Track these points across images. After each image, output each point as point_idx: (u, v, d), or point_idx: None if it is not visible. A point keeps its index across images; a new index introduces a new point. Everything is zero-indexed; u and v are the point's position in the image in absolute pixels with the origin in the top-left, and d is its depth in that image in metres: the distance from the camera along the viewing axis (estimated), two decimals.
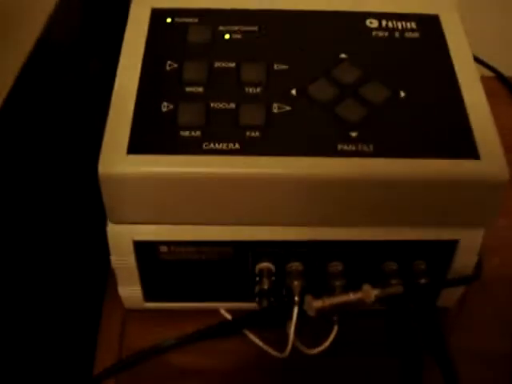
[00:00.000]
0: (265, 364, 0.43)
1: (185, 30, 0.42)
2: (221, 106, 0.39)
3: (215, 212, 0.38)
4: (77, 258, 0.47)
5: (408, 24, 0.43)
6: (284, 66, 0.41)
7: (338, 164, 0.36)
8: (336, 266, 0.41)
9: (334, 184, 0.37)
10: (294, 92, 0.39)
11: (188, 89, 0.39)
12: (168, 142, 0.37)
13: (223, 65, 0.41)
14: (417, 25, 0.43)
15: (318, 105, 0.39)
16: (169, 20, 0.43)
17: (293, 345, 0.42)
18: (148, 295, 0.43)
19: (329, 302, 0.40)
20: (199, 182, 0.36)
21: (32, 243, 0.41)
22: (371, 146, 0.37)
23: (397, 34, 0.43)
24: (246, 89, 0.39)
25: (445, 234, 0.40)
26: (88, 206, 0.44)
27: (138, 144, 0.37)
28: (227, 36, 0.42)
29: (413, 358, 0.39)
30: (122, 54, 0.41)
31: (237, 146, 0.37)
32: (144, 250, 0.40)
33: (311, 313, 0.40)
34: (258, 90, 0.39)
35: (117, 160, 0.36)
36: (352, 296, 0.40)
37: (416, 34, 0.43)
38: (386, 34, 0.43)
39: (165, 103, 0.39)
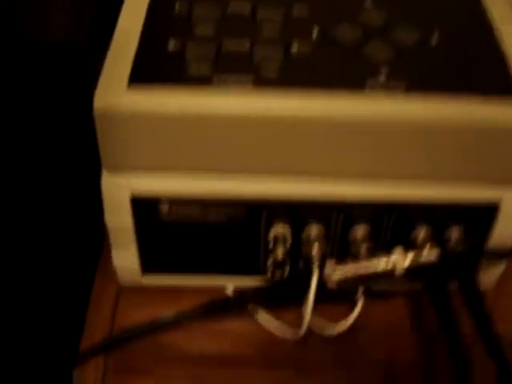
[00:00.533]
0: (274, 348, 0.37)
1: None
2: (234, 44, 0.35)
3: (224, 158, 0.34)
4: (69, 231, 0.42)
5: None
6: (304, 11, 0.37)
7: (364, 102, 0.32)
8: (360, 231, 0.36)
9: (360, 125, 0.32)
10: (314, 35, 0.36)
11: (198, 29, 0.36)
12: (174, 76, 0.33)
13: (238, 6, 0.37)
14: None
15: (342, 47, 0.35)
16: None
17: (308, 326, 0.37)
18: (146, 266, 0.38)
19: (353, 269, 0.35)
20: (207, 122, 0.32)
21: (25, 211, 0.37)
22: (403, 84, 0.33)
23: None
24: (263, 31, 0.36)
25: (484, 195, 0.35)
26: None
27: (141, 77, 0.33)
28: None
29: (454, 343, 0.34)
30: None
31: (250, 84, 0.33)
32: (142, 207, 0.35)
33: (332, 284, 0.35)
34: (276, 32, 0.36)
35: (115, 93, 0.32)
36: (380, 262, 0.35)
37: None
38: None
39: (172, 41, 0.35)
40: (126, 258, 0.38)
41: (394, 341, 0.38)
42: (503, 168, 0.34)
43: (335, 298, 0.38)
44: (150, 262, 0.38)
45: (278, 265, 0.37)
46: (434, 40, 0.35)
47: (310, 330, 0.37)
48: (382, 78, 0.33)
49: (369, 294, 0.38)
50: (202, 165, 0.34)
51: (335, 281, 0.35)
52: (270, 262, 0.38)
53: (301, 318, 0.36)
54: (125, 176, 0.34)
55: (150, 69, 0.34)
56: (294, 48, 0.35)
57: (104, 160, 0.34)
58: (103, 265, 0.41)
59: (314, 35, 0.36)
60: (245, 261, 0.38)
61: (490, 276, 0.39)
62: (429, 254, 0.35)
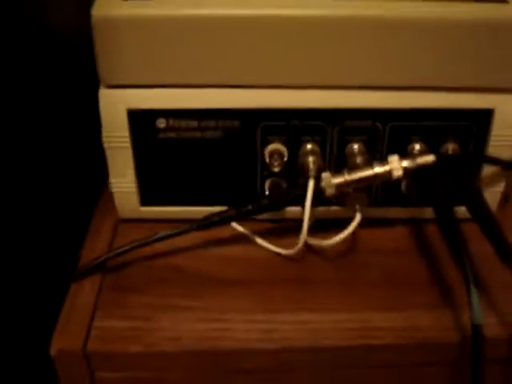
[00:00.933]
0: (272, 266, 0.37)
1: None
2: None
3: (218, 65, 0.34)
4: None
5: None
6: None
7: (350, 4, 0.33)
8: (356, 144, 0.36)
9: (353, 23, 0.33)
10: None
11: None
12: None
13: None
14: None
15: None
16: None
17: (308, 243, 0.36)
18: (144, 195, 0.38)
19: (350, 176, 0.35)
20: (200, 24, 0.33)
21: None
22: None
23: None
24: None
25: (478, 102, 0.35)
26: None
27: None
28: None
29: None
30: None
31: None
32: (140, 123, 0.36)
33: (330, 191, 0.35)
34: None
35: (112, 5, 0.34)
36: (377, 169, 0.35)
37: None
38: None
39: None
40: (124, 185, 0.38)
41: (395, 262, 0.37)
42: (493, 73, 0.34)
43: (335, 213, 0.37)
44: (148, 190, 0.38)
45: (276, 184, 0.37)
46: None
47: (310, 249, 0.37)
48: None
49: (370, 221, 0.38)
50: (195, 76, 0.35)
51: (333, 186, 0.34)
52: (267, 183, 0.38)
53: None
54: (122, 91, 0.35)
55: None
56: None
57: (101, 74, 0.35)
58: (102, 204, 0.41)
59: None
60: (242, 188, 0.38)
61: (491, 195, 0.38)
62: (425, 158, 0.34)
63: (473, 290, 0.30)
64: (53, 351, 0.31)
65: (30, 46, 0.45)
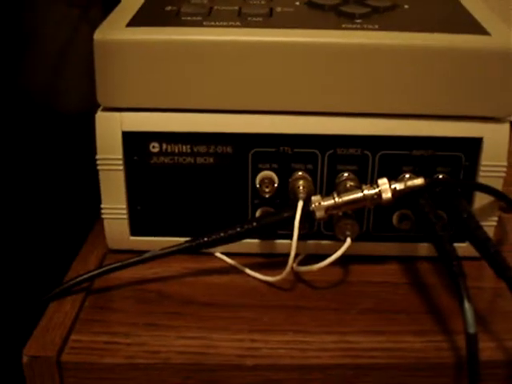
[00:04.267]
0: (260, 294, 0.36)
1: None
2: (224, 8, 0.39)
3: (211, 91, 0.35)
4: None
5: None
6: None
7: (341, 34, 0.35)
8: (346, 173, 0.37)
9: (338, 52, 0.35)
10: (297, 3, 0.40)
11: (193, 0, 0.40)
12: (168, 21, 0.37)
13: None
14: None
15: (322, 7, 0.39)
16: None
17: (298, 272, 0.36)
18: (135, 224, 0.38)
19: (340, 199, 0.35)
20: (196, 51, 0.35)
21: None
22: (376, 26, 0.36)
23: None
24: (251, 1, 0.40)
25: (467, 130, 0.36)
26: None
27: (138, 22, 0.37)
28: None
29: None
30: None
31: (237, 23, 0.36)
32: (133, 146, 0.36)
33: (320, 213, 0.35)
34: (263, 2, 0.40)
35: (114, 30, 0.36)
36: (366, 192, 0.35)
37: None
38: None
39: (169, 7, 0.39)
40: (115, 211, 0.38)
41: (387, 293, 0.36)
42: (477, 103, 0.35)
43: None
44: (139, 218, 0.38)
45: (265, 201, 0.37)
46: (406, 5, 0.39)
47: (299, 279, 0.36)
48: (357, 22, 0.37)
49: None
50: (188, 101, 0.36)
51: (323, 208, 0.34)
52: (258, 213, 0.38)
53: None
54: (118, 114, 0.36)
55: (147, 19, 0.37)
56: (278, 9, 0.39)
57: (99, 96, 0.36)
58: (94, 234, 0.41)
59: (297, 3, 0.40)
60: (234, 218, 0.38)
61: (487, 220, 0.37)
62: (415, 181, 0.35)
63: (465, 297, 0.29)
64: (25, 358, 0.30)
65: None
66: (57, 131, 0.42)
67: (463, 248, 0.35)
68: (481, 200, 0.37)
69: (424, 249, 0.38)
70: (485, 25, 0.36)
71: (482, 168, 0.36)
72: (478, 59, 0.35)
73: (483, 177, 0.36)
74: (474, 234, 0.32)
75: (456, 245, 0.33)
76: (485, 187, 0.36)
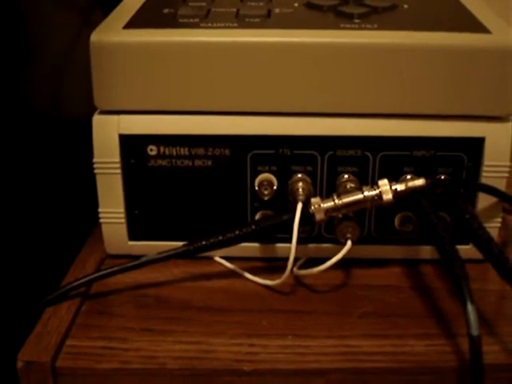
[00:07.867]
0: (259, 298, 0.35)
1: None
2: (221, 9, 0.38)
3: (209, 92, 0.35)
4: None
5: None
6: None
7: (339, 34, 0.35)
8: (347, 174, 0.36)
9: (337, 52, 0.34)
10: (296, 4, 0.39)
11: (190, 3, 0.40)
12: (165, 23, 0.36)
13: None
14: None
15: (321, 8, 0.38)
16: None
17: (297, 276, 0.35)
18: (133, 229, 0.38)
19: (340, 201, 0.34)
20: (193, 53, 0.34)
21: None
22: (375, 26, 0.36)
23: None
24: (249, 3, 0.40)
25: (469, 130, 0.35)
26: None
27: (136, 24, 0.36)
28: None
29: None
30: None
31: (235, 24, 0.36)
32: (130, 149, 0.36)
33: (319, 216, 0.34)
34: (261, 3, 0.39)
35: (111, 32, 0.35)
36: (367, 193, 0.34)
37: None
38: None
39: (167, 9, 0.39)
40: (113, 216, 0.37)
41: (389, 297, 0.35)
42: (478, 102, 0.35)
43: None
44: (136, 222, 0.38)
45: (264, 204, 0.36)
46: (406, 5, 0.39)
47: (300, 283, 0.36)
48: (356, 22, 0.36)
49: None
50: (185, 103, 0.35)
51: (322, 210, 0.34)
52: (257, 216, 0.37)
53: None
54: (115, 116, 0.36)
55: (145, 21, 0.37)
56: (276, 10, 0.38)
57: (96, 99, 0.36)
58: (92, 239, 0.40)
59: (296, 4, 0.39)
60: (233, 221, 0.37)
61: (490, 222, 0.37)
62: (415, 182, 0.34)
63: (468, 298, 0.28)
64: (20, 363, 0.29)
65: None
66: (59, 136, 0.42)
67: (466, 250, 0.34)
68: (484, 201, 0.36)
69: (427, 252, 0.38)
70: (485, 23, 0.36)
71: (484, 168, 0.36)
72: (479, 57, 0.34)
73: (486, 177, 0.36)
74: (477, 235, 0.32)
75: (459, 247, 0.32)
76: (487, 188, 0.35)
